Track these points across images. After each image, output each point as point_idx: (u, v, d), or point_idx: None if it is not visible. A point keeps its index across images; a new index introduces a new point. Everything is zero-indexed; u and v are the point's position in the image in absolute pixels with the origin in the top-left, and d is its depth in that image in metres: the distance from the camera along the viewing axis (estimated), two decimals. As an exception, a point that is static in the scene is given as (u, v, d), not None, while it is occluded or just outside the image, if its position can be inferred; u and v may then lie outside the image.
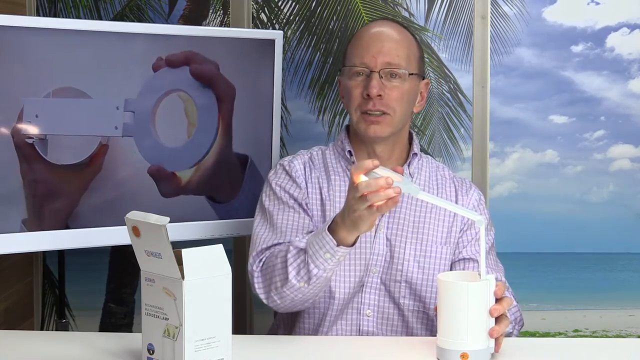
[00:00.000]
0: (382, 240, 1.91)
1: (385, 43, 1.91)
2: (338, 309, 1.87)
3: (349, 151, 1.96)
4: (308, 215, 1.92)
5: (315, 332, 1.89)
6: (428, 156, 2.05)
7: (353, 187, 1.60)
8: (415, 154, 1.98)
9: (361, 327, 1.88)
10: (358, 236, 1.69)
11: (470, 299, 1.55)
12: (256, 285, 1.83)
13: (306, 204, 1.93)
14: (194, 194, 2.35)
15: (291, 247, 1.75)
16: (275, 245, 1.87)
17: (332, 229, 1.68)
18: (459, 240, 1.95)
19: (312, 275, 1.71)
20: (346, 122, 2.80)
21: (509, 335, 1.79)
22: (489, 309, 1.57)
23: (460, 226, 1.95)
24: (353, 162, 1.94)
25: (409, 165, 1.97)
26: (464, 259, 1.94)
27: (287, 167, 1.97)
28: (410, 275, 1.89)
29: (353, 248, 1.72)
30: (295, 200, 1.93)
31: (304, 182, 1.95)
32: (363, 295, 1.88)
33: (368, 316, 1.88)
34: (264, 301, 1.83)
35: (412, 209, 1.94)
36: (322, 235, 1.69)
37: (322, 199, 1.94)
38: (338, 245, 1.67)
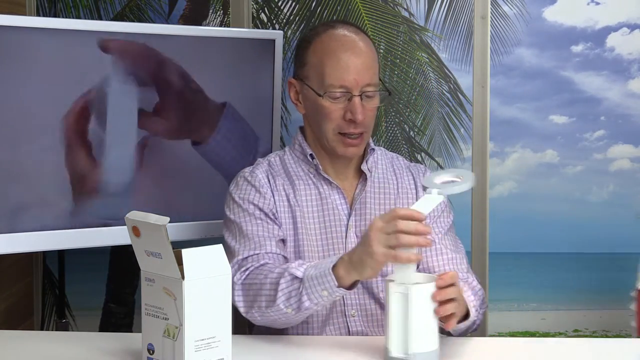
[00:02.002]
0: (352, 239, 1.89)
1: (361, 60, 1.85)
2: (323, 314, 1.86)
3: (311, 154, 1.93)
4: (276, 224, 1.88)
5: None
6: (382, 148, 2.03)
7: (389, 218, 1.56)
8: (373, 149, 1.96)
9: (350, 329, 1.87)
10: (357, 281, 1.65)
11: (392, 302, 1.54)
12: (236, 297, 1.76)
13: (273, 214, 1.88)
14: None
15: (286, 273, 1.69)
16: (253, 255, 1.82)
17: (334, 266, 1.64)
18: None
19: (303, 307, 1.67)
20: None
21: (477, 318, 1.79)
22: (434, 310, 1.53)
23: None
24: (315, 165, 1.92)
25: (366, 162, 1.94)
26: (435, 249, 1.92)
27: (249, 178, 1.92)
28: (385, 269, 1.82)
29: (330, 252, 1.73)
30: (262, 210, 1.88)
31: (269, 191, 1.90)
32: (345, 296, 1.85)
33: (353, 316, 1.87)
34: (243, 314, 1.78)
35: (377, 202, 1.92)
36: (325, 273, 1.64)
37: (290, 206, 1.90)
38: (339, 286, 1.63)
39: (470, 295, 1.79)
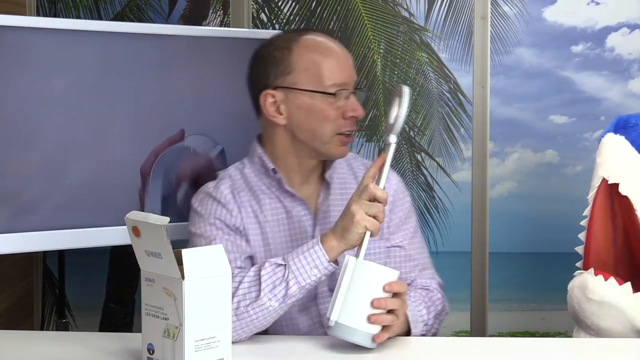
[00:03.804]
0: None
1: (348, 57, 1.86)
2: (303, 325, 1.85)
3: (273, 169, 1.86)
4: (244, 240, 1.83)
5: None
6: None
7: (366, 190, 1.63)
8: None
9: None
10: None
11: (341, 269, 1.62)
12: None
13: (240, 230, 1.83)
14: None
15: (266, 264, 1.68)
16: None
17: (322, 241, 1.66)
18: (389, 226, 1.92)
19: (289, 294, 1.66)
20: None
21: (428, 331, 1.81)
22: (371, 301, 1.59)
23: (389, 215, 1.90)
24: (278, 179, 1.86)
25: (328, 169, 1.90)
26: (391, 246, 1.91)
27: (214, 194, 1.85)
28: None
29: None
30: (228, 226, 1.82)
31: (235, 207, 1.84)
32: (318, 307, 1.85)
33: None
34: None
35: (341, 210, 1.85)
36: (314, 250, 1.65)
37: (258, 222, 1.85)
38: (329, 261, 1.65)
39: (423, 309, 1.80)
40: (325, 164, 1.91)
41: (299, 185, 1.89)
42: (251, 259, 1.83)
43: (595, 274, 1.84)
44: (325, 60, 1.83)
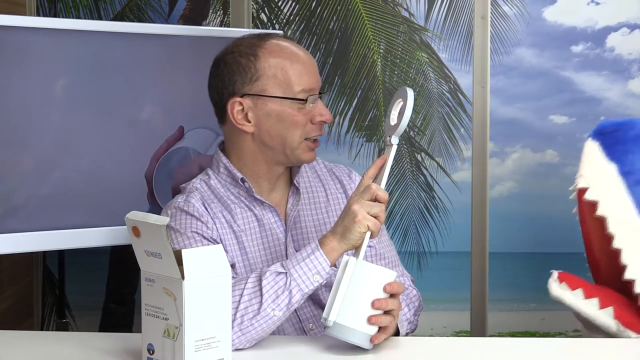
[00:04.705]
0: (291, 255, 1.82)
1: (314, 62, 1.85)
2: (287, 332, 1.83)
3: (242, 179, 1.83)
4: (225, 250, 1.75)
5: None
6: None
7: (368, 191, 1.63)
8: None
9: None
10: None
11: (339, 269, 1.62)
12: None
13: (218, 240, 1.79)
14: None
15: (267, 273, 1.65)
16: None
17: (321, 243, 1.65)
18: None
19: (293, 302, 1.64)
20: (346, 124, 2.80)
21: (410, 329, 1.82)
22: (370, 303, 1.59)
23: None
24: (248, 188, 1.84)
25: (293, 173, 1.90)
26: (377, 254, 1.90)
27: (186, 208, 1.80)
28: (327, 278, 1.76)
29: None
30: (206, 238, 1.77)
31: (210, 219, 1.79)
32: (298, 313, 1.83)
33: (312, 330, 1.84)
34: None
35: (310, 214, 1.88)
36: (315, 256, 1.64)
37: (234, 232, 1.82)
38: (331, 265, 1.64)
39: (405, 307, 1.80)
40: (292, 170, 1.90)
41: (267, 192, 1.87)
42: (233, 268, 1.81)
43: (559, 275, 1.86)
44: (292, 66, 1.80)
